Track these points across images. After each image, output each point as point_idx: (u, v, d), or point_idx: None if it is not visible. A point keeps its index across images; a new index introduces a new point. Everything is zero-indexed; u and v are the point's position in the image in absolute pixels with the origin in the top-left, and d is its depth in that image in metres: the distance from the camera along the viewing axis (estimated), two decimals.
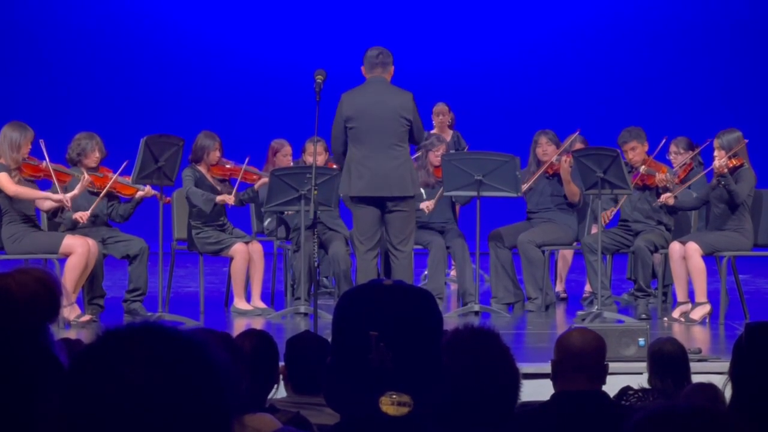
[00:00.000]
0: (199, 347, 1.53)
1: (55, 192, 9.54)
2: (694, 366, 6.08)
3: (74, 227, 9.67)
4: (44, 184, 9.70)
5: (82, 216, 9.59)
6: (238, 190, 10.37)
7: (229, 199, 10.20)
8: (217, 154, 10.29)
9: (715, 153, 9.73)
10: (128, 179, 9.72)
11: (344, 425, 2.24)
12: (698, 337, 9.04)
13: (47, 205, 9.59)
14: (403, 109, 9.27)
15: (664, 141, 10.39)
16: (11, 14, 16.24)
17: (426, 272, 11.05)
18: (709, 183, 9.96)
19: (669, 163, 10.56)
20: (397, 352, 2.17)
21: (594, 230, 10.44)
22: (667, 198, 9.87)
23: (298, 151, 11.13)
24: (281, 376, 4.73)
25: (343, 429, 2.25)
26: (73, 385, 1.49)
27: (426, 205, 10.53)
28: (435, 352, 2.25)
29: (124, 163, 9.68)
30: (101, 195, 9.64)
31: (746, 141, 9.73)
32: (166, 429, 1.45)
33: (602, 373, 4.57)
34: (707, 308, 9.69)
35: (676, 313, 9.75)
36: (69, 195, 9.45)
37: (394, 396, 2.16)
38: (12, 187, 9.30)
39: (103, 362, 1.50)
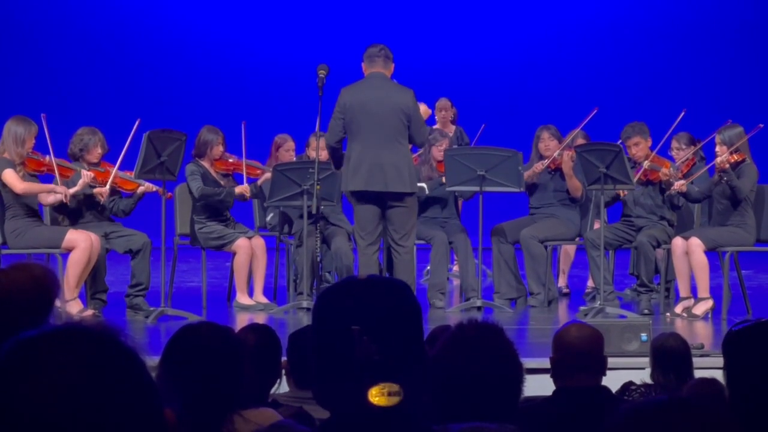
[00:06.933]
0: (112, 340, 1.47)
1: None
2: (696, 361, 6.08)
3: (77, 221, 9.68)
4: (47, 179, 9.69)
5: (102, 192, 9.59)
6: (241, 185, 10.38)
7: (246, 189, 10.23)
8: (221, 148, 10.29)
9: (717, 149, 9.72)
10: (130, 174, 9.72)
11: (335, 420, 2.24)
12: (701, 333, 9.03)
13: (50, 199, 9.59)
14: (404, 105, 9.25)
15: (670, 133, 10.39)
16: (13, 9, 16.24)
17: (428, 267, 11.05)
18: (711, 178, 9.96)
19: (672, 159, 10.55)
20: (380, 345, 2.17)
21: (597, 225, 10.44)
22: (681, 186, 9.85)
23: (301, 146, 11.11)
24: (284, 371, 4.74)
25: (334, 424, 2.24)
26: None
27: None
28: (417, 341, 2.26)
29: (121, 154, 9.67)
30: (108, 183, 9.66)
31: (757, 129, 9.72)
32: (95, 429, 1.41)
33: (601, 367, 4.56)
34: (710, 303, 9.68)
35: (678, 309, 9.75)
36: (71, 190, 9.45)
37: (383, 387, 2.16)
38: (20, 185, 9.30)
39: (13, 372, 1.42)
